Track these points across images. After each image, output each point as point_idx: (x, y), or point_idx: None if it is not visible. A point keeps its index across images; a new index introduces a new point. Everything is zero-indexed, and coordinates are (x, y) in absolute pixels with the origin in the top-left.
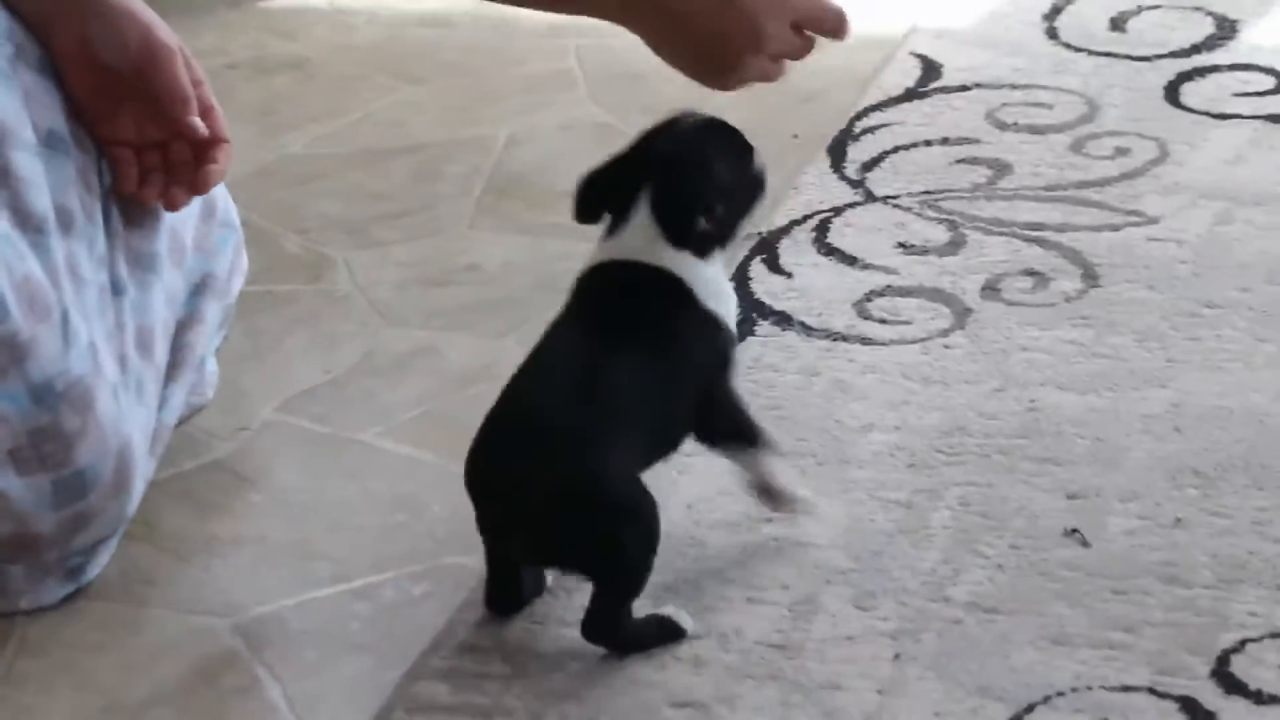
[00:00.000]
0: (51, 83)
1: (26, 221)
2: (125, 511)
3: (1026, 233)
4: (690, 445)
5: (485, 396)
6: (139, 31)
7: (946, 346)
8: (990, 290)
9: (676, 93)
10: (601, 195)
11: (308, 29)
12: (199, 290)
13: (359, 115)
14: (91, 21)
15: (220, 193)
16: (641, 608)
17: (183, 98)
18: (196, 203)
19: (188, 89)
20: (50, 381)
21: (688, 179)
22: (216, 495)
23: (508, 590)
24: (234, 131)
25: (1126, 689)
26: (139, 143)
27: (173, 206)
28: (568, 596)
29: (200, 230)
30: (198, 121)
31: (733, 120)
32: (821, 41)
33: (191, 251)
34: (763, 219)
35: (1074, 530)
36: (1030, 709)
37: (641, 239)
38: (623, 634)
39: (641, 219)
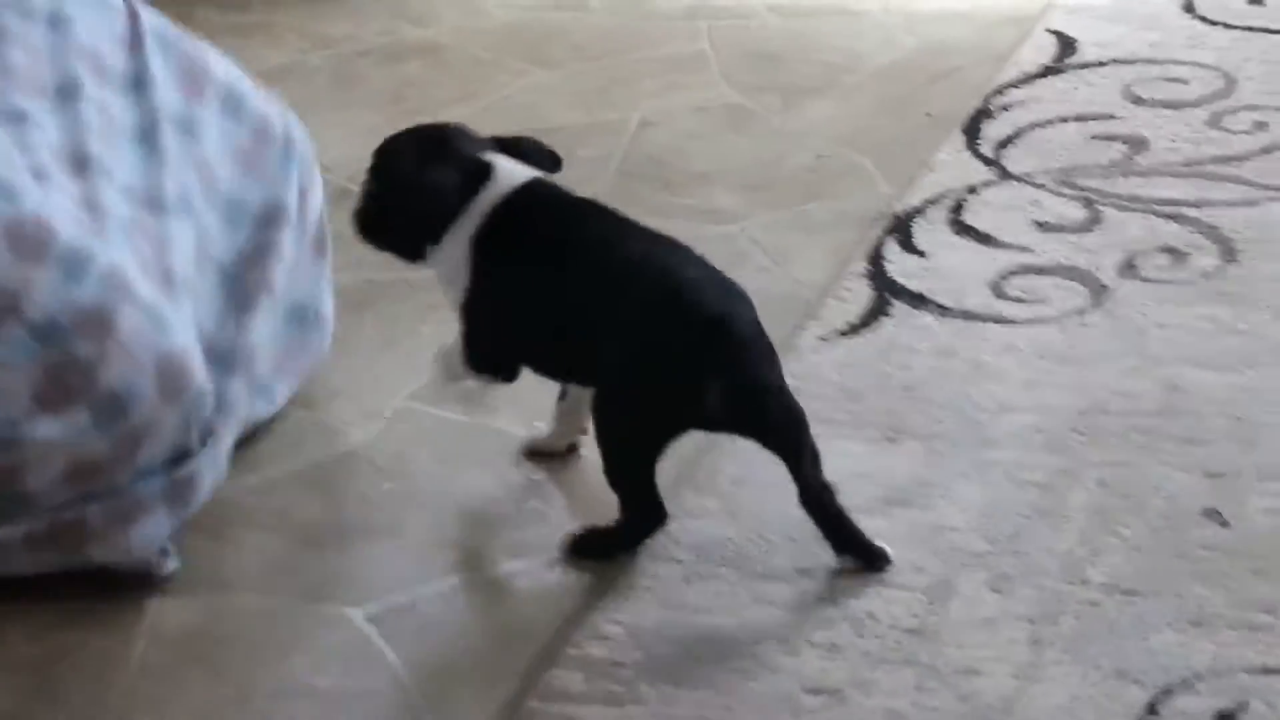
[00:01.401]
0: (60, 37)
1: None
2: (190, 420)
3: (1163, 209)
4: (825, 428)
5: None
6: None
7: (1083, 325)
8: (1127, 268)
9: (813, 72)
10: None
11: (439, 14)
12: (266, 221)
13: (491, 100)
14: None
15: (277, 116)
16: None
17: None
18: (240, 124)
19: None
20: (53, 319)
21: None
22: (350, 484)
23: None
24: (365, 118)
25: (1268, 671)
26: None
27: None
28: (702, 583)
29: (252, 154)
30: None
31: (869, 96)
32: (956, 18)
33: (241, 177)
34: (896, 199)
35: (1213, 510)
36: (1168, 692)
37: None
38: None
39: None
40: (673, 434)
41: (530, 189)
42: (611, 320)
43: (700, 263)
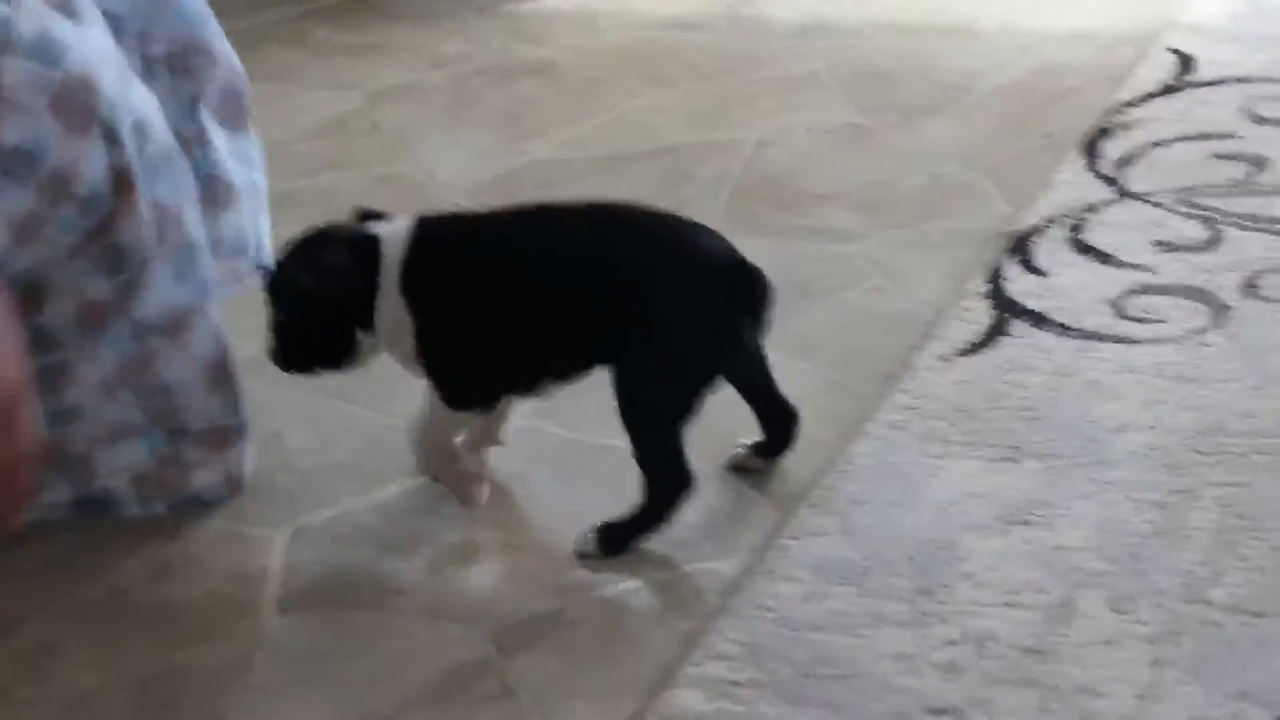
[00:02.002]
0: None
1: None
2: (111, 147)
3: None
4: (942, 448)
5: (736, 401)
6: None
7: (1203, 345)
8: (1249, 288)
9: (928, 91)
10: None
11: (554, 34)
12: None
13: (606, 119)
14: None
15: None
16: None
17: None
18: None
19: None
20: None
21: None
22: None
23: None
24: (480, 137)
25: None
26: None
27: None
28: (820, 602)
29: None
30: None
31: (986, 116)
32: (1072, 37)
33: None
34: (1014, 218)
35: None
36: None
37: None
38: None
39: None
40: (710, 385)
41: (424, 222)
42: (623, 288)
43: (662, 213)
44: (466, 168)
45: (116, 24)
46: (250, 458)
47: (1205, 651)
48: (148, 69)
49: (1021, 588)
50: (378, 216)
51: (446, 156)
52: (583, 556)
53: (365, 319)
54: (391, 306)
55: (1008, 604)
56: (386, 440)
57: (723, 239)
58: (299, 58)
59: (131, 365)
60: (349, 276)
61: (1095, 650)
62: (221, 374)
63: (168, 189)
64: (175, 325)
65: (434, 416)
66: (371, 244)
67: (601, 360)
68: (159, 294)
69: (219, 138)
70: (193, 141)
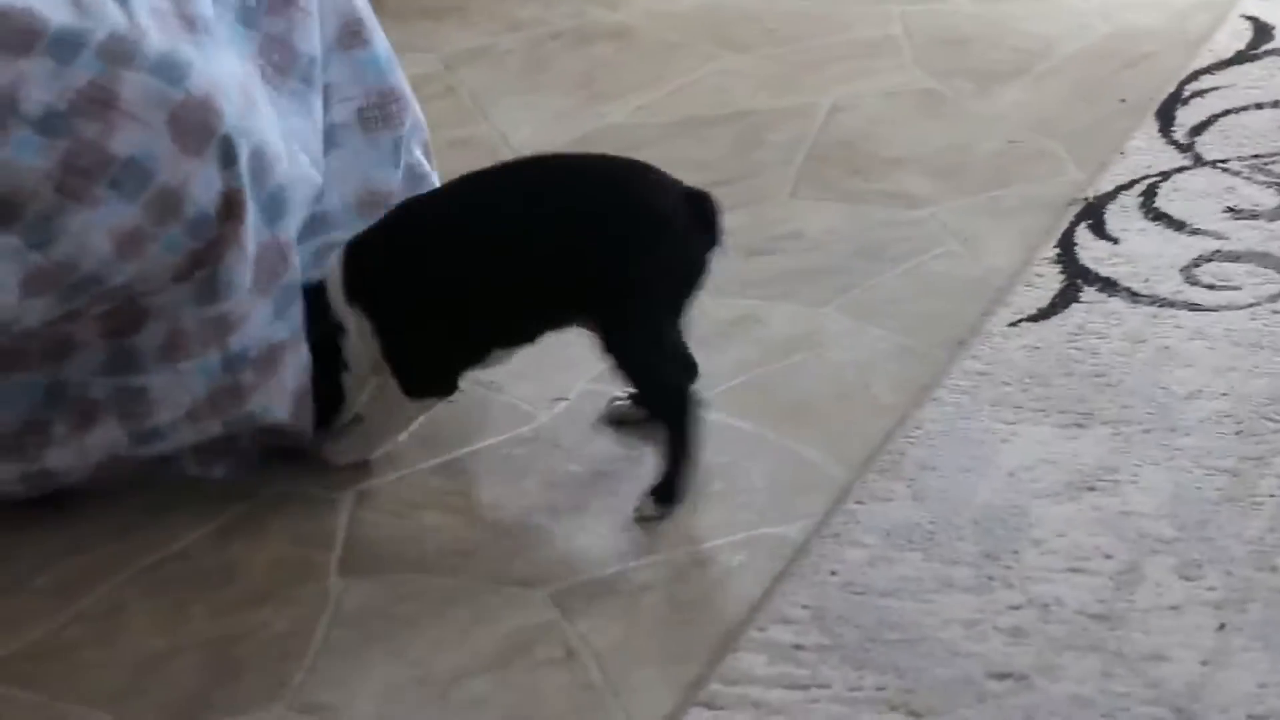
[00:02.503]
0: None
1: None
2: (228, 167)
3: None
4: (1012, 414)
5: (806, 365)
6: None
7: (1276, 312)
8: None
9: (1005, 57)
10: None
11: None
12: None
13: (680, 83)
14: None
15: None
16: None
17: None
18: None
19: None
20: (50, 107)
21: None
22: (534, 465)
23: None
24: (555, 101)
25: None
26: None
27: None
28: (887, 566)
29: None
30: None
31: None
32: (1149, 3)
33: None
34: (1088, 184)
35: None
36: None
37: None
38: None
39: None
40: (687, 310)
41: (354, 242)
42: (582, 244)
43: (592, 157)
44: (541, 131)
45: (329, 91)
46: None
47: (1273, 618)
48: (345, 126)
49: (1090, 554)
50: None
51: (521, 120)
52: (643, 520)
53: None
54: (351, 319)
55: (1074, 569)
56: (452, 405)
57: (661, 172)
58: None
59: (220, 394)
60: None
61: (1162, 616)
62: (305, 399)
63: (286, 225)
64: (268, 359)
65: (396, 411)
66: (319, 289)
67: (572, 319)
68: (256, 329)
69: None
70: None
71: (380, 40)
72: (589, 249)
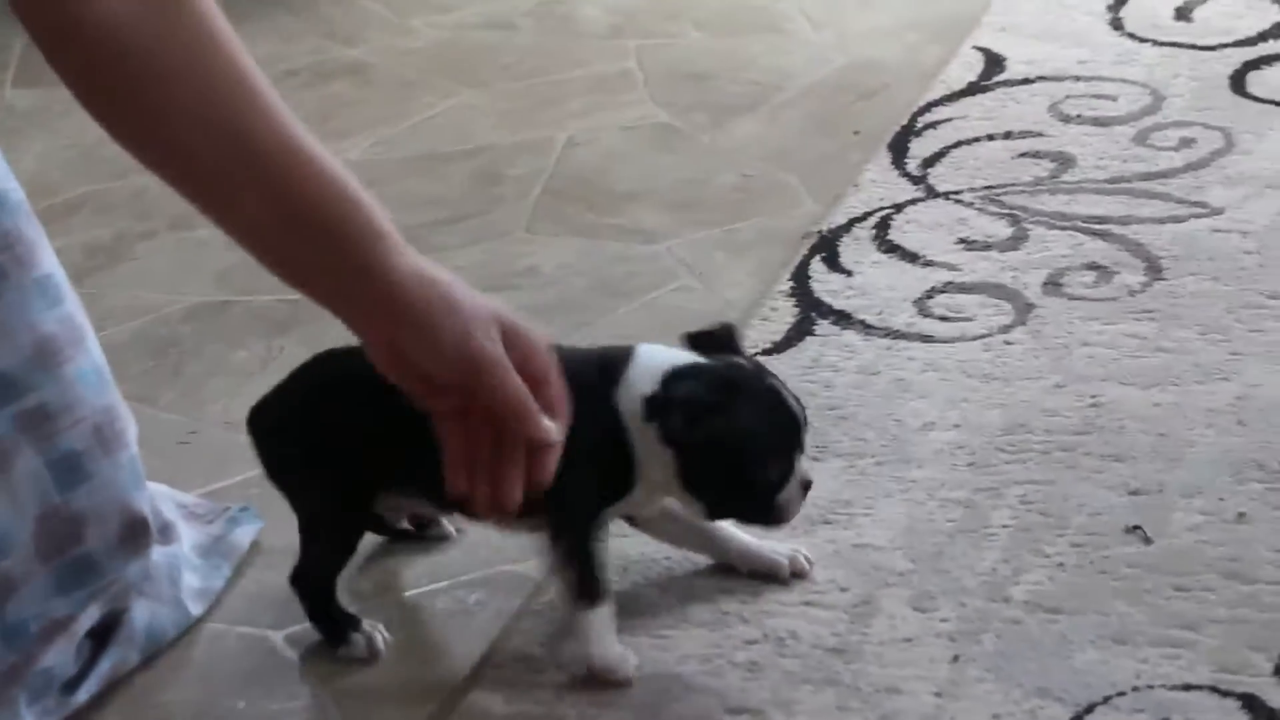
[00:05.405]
0: None
1: None
2: None
3: (1089, 226)
4: None
5: None
6: (454, 341)
7: (1008, 343)
8: (1052, 285)
9: (741, 90)
10: None
11: (367, 34)
12: None
13: (418, 120)
14: (404, 330)
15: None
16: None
17: (514, 410)
18: None
19: (517, 397)
20: None
21: None
22: (267, 509)
23: None
24: None
25: (1188, 687)
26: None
27: (505, 499)
28: (627, 602)
29: None
30: (545, 426)
31: (797, 114)
32: (884, 35)
33: None
34: (822, 217)
35: (1136, 527)
36: (1090, 709)
37: None
38: None
39: None
40: None
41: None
42: None
43: None
44: None
45: None
46: None
47: (1005, 649)
48: None
49: (825, 587)
50: None
51: None
52: None
53: None
54: None
55: (809, 603)
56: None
57: None
58: None
59: None
60: None
61: (896, 649)
62: None
63: None
64: None
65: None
66: None
67: None
68: None
69: None
70: None
71: None
72: None
